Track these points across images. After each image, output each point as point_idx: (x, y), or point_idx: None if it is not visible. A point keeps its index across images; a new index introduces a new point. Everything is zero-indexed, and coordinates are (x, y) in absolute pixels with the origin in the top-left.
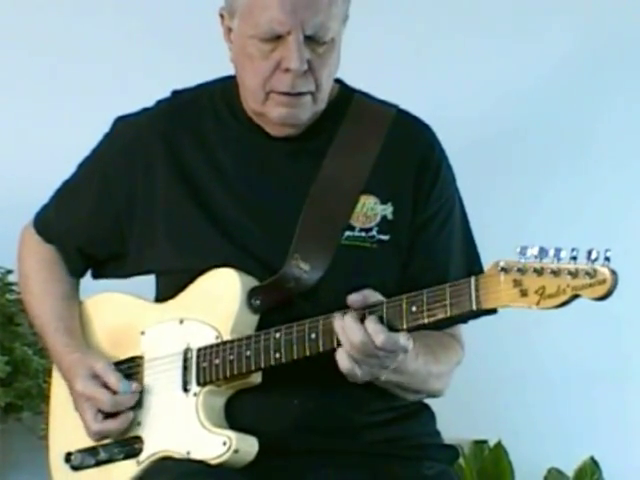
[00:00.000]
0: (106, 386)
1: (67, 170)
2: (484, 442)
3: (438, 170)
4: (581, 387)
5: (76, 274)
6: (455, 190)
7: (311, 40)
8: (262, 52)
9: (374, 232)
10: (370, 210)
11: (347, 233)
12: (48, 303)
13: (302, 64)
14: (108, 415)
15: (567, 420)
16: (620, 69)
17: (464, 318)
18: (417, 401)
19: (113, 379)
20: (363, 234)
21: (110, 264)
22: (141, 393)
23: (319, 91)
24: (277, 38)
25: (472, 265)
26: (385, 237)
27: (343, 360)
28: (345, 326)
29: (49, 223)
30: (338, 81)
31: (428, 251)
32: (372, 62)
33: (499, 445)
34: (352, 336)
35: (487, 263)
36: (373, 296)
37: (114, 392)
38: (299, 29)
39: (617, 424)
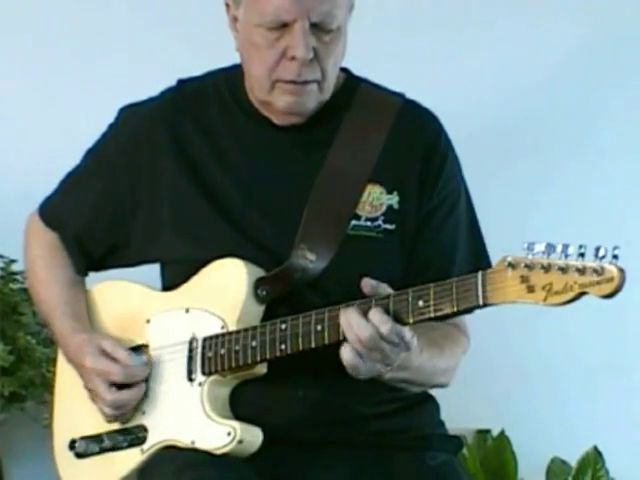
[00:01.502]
0: (116, 361)
1: (72, 160)
2: (487, 432)
3: (444, 159)
4: (584, 377)
5: (76, 267)
6: (461, 180)
7: (317, 28)
8: (268, 41)
9: (380, 222)
10: (376, 200)
11: (353, 223)
12: (55, 288)
13: (308, 52)
14: (121, 387)
15: (570, 410)
16: (627, 60)
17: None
18: (421, 391)
19: (122, 354)
20: (369, 224)
21: (108, 259)
22: (146, 382)
23: (325, 80)
24: (283, 26)
25: (478, 255)
26: (391, 227)
27: (348, 355)
28: (351, 322)
29: (53, 210)
30: (344, 70)
31: (434, 240)
32: (378, 52)
33: (502, 435)
34: (359, 331)
35: (493, 256)
36: (384, 289)
37: (124, 366)
38: (305, 17)
39: (620, 414)
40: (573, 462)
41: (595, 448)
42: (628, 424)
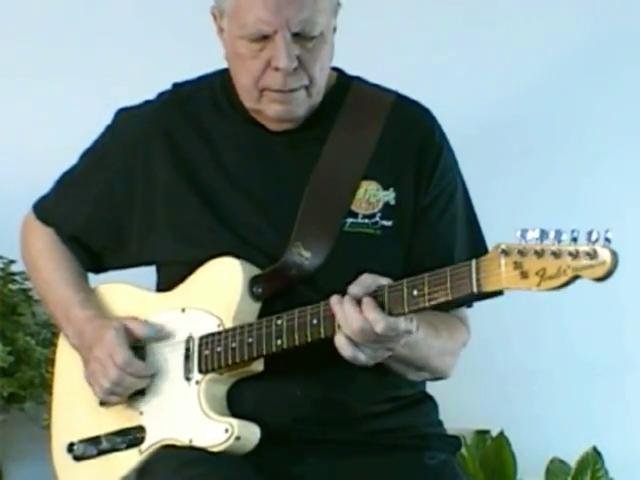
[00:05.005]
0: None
1: (68, 161)
2: (486, 432)
3: (439, 153)
4: (583, 377)
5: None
6: (457, 173)
7: (299, 37)
8: (252, 52)
9: (377, 218)
10: (373, 196)
11: (350, 220)
12: (64, 276)
13: (291, 62)
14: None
15: (569, 410)
16: (624, 55)
17: (469, 301)
18: (420, 391)
19: (141, 329)
20: (367, 220)
21: (104, 260)
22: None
23: (313, 85)
24: (264, 37)
25: (476, 247)
26: (388, 223)
27: (343, 345)
28: (344, 312)
29: (49, 208)
30: (336, 69)
31: (431, 234)
32: (376, 50)
33: (501, 435)
34: (352, 322)
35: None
36: (376, 280)
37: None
38: (285, 27)
39: (619, 414)
40: (572, 462)
41: (594, 448)
42: (627, 424)
